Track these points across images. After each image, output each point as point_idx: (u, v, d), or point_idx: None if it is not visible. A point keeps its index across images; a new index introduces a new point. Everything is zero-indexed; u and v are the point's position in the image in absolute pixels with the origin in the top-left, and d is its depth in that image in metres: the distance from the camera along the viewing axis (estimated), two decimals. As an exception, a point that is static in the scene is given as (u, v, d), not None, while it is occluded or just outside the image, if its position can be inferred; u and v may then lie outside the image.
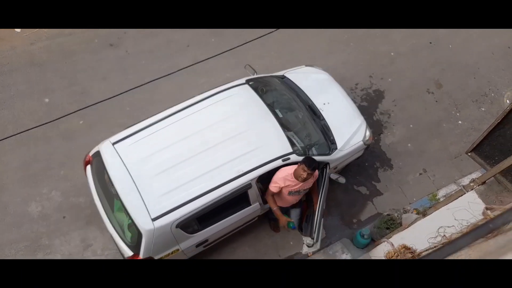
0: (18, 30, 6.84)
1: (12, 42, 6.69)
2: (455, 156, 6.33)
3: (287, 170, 4.48)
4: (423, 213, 5.16)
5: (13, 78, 6.34)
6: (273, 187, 4.50)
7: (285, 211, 4.86)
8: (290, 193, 4.52)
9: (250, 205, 4.75)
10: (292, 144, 4.79)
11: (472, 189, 4.56)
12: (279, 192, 4.55)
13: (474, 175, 5.74)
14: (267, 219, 5.50)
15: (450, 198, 4.94)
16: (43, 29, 6.85)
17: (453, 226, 3.98)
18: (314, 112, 5.34)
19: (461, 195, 4.69)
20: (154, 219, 4.18)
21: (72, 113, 4.82)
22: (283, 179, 4.43)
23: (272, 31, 5.13)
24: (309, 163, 4.26)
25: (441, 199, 5.70)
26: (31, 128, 4.74)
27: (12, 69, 6.43)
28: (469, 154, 4.66)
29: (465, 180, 5.90)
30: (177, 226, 4.28)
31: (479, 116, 6.71)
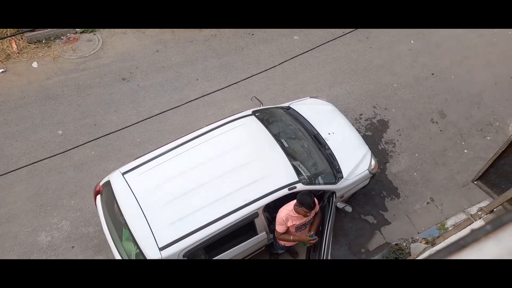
0: (35, 65, 7.18)
1: (29, 77, 7.00)
2: (462, 185, 6.32)
3: (286, 208, 4.38)
4: (432, 243, 5.10)
5: (28, 111, 6.59)
6: (280, 228, 4.44)
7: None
8: (297, 229, 4.46)
9: (257, 234, 4.77)
10: (298, 173, 4.85)
11: (480, 218, 4.53)
12: (288, 231, 4.50)
13: (482, 204, 5.71)
14: (268, 254, 5.41)
15: (458, 227, 4.89)
16: (58, 65, 7.18)
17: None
18: (319, 142, 5.43)
19: (470, 224, 4.65)
20: (161, 249, 4.20)
21: (83, 144, 4.97)
22: (286, 219, 4.35)
23: (277, 65, 5.33)
24: (309, 205, 4.13)
25: (450, 228, 5.64)
26: (44, 159, 4.89)
27: (28, 102, 6.69)
28: (475, 182, 4.66)
29: (474, 209, 5.86)
30: (184, 256, 4.29)
31: (485, 145, 6.73)
